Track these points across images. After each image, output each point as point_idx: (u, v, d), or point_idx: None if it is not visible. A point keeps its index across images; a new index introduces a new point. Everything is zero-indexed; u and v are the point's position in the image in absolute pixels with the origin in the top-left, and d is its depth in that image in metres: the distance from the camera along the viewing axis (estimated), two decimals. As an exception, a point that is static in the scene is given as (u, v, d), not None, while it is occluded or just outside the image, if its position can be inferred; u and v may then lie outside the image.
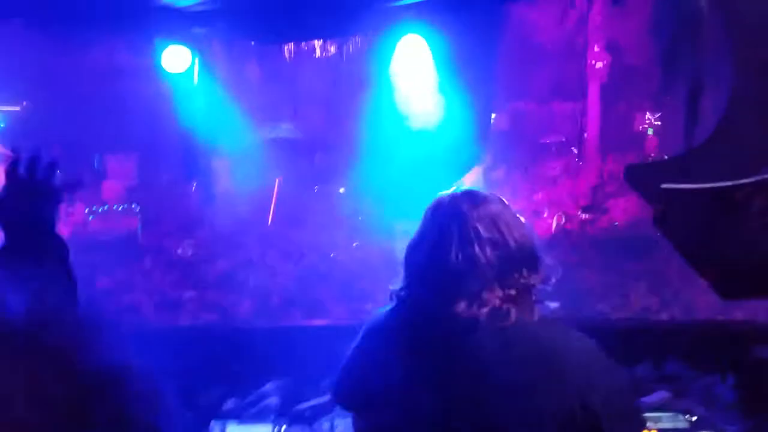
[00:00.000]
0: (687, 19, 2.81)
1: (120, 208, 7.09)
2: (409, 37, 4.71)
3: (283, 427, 3.57)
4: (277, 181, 8.80)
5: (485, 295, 1.70)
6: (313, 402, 3.80)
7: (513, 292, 1.71)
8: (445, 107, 4.99)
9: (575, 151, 13.24)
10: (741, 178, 2.90)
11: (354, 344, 1.89)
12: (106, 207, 8.30)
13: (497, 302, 1.71)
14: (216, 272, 7.71)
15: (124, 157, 10.20)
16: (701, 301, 6.23)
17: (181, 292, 7.47)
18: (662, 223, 1.42)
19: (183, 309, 7.20)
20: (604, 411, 1.63)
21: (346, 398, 1.96)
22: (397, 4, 4.32)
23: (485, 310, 1.69)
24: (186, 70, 4.97)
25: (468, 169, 5.71)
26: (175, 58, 4.90)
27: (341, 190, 10.47)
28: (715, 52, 3.00)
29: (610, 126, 12.40)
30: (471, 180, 10.83)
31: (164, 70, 4.98)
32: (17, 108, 7.15)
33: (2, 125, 7.39)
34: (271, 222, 8.80)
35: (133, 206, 7.20)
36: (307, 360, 4.12)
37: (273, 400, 3.84)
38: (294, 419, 3.66)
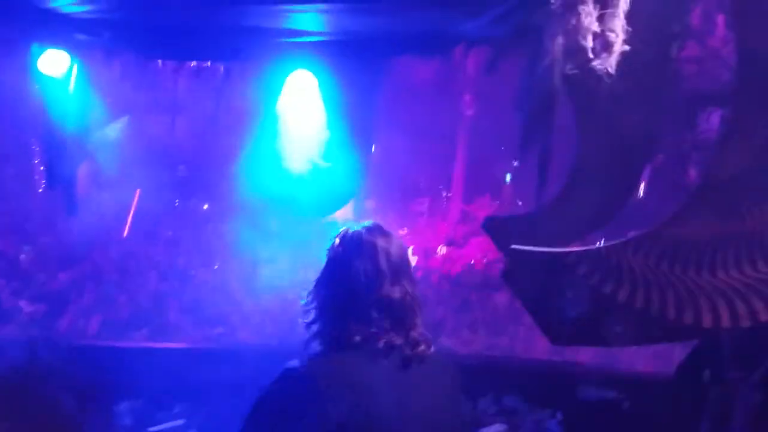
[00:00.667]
0: (542, 98, 3.20)
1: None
2: (299, 72, 4.85)
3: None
4: (137, 192, 8.48)
5: (414, 327, 1.80)
6: (166, 425, 3.76)
7: (420, 326, 1.83)
8: (327, 141, 5.15)
9: (442, 190, 13.94)
10: (580, 236, 3.32)
11: (281, 402, 1.74)
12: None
13: (418, 334, 1.81)
14: (57, 284, 7.30)
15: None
16: (540, 342, 6.80)
17: (18, 301, 7.00)
18: (508, 276, 1.66)
19: (17, 321, 6.75)
20: None
21: None
22: (289, 40, 4.46)
23: (417, 342, 1.78)
24: (63, 75, 4.78)
25: (343, 202, 5.89)
26: (53, 62, 4.70)
27: (204, 207, 10.27)
28: (563, 127, 3.43)
29: (474, 170, 13.21)
30: (343, 210, 11.01)
31: (39, 73, 4.75)
32: None
33: None
34: (127, 235, 8.47)
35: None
36: (158, 382, 4.03)
37: (125, 421, 3.76)
38: (147, 442, 3.61)
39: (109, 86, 5.37)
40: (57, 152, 4.89)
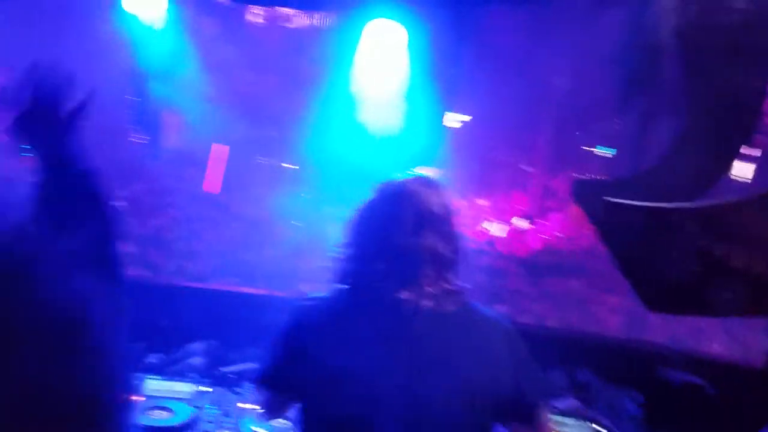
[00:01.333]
0: (648, 52, 2.95)
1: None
2: (382, 21, 4.64)
3: (206, 387, 3.57)
4: (218, 146, 8.66)
5: (430, 282, 1.73)
6: (238, 366, 3.81)
7: (449, 285, 1.76)
8: (407, 100, 4.98)
9: (524, 162, 13.56)
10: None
11: (290, 328, 1.81)
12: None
13: (438, 291, 1.74)
14: (146, 228, 7.59)
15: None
16: (612, 320, 6.55)
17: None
18: (603, 234, 1.50)
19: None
20: (521, 381, 1.76)
21: (281, 383, 1.85)
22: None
23: (428, 299, 1.71)
24: (153, 16, 4.79)
25: (417, 165, 5.73)
26: (144, 2, 4.72)
27: (286, 164, 10.39)
28: (670, 87, 3.17)
29: (561, 143, 12.75)
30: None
31: (128, 13, 4.78)
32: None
33: None
34: (209, 186, 8.68)
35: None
36: (234, 325, 4.11)
37: (197, 360, 3.82)
38: (218, 381, 3.66)
39: (197, 31, 5.38)
40: (144, 99, 4.93)
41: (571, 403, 4.10)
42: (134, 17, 4.88)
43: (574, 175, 11.87)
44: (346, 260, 1.82)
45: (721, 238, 1.47)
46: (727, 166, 3.06)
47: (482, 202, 12.00)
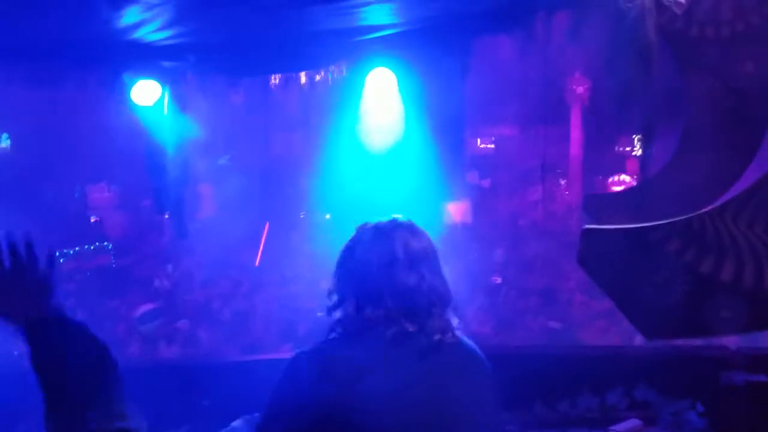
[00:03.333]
0: (638, 57, 2.86)
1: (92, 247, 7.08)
2: (378, 71, 4.76)
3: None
4: (266, 224, 8.81)
5: (431, 316, 1.76)
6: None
7: (440, 316, 1.78)
8: (412, 139, 5.00)
9: (558, 175, 13.35)
10: (693, 210, 2.93)
11: (281, 384, 1.83)
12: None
13: (436, 323, 1.78)
14: (193, 303, 7.65)
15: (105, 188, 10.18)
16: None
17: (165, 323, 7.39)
18: (585, 262, 1.41)
19: (165, 340, 7.12)
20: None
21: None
22: (366, 37, 4.37)
23: (434, 330, 1.74)
24: (155, 104, 4.96)
25: (441, 199, 5.69)
26: (144, 92, 4.89)
27: (327, 216, 10.47)
28: (667, 90, 3.06)
29: (593, 149, 12.52)
30: (458, 205, 10.82)
31: (134, 104, 4.95)
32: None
33: None
34: (258, 261, 8.76)
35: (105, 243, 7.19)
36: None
37: (239, 435, 3.78)
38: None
39: (203, 108, 5.52)
40: (161, 179, 5.08)
41: (632, 423, 3.90)
42: (143, 107, 5.05)
43: (612, 177, 11.62)
44: (334, 307, 1.86)
45: (706, 251, 1.35)
46: (744, 164, 2.90)
47: (522, 222, 11.84)
